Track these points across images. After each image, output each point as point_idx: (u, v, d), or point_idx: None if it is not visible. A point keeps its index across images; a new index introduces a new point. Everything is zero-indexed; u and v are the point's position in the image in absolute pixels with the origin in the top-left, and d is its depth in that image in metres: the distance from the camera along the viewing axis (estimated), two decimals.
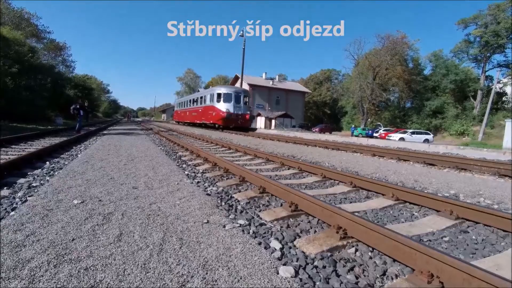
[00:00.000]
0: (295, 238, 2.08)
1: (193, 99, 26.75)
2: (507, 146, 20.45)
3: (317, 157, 6.62)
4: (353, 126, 39.70)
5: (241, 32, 24.38)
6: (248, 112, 20.59)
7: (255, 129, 25.14)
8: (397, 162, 6.52)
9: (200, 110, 23.70)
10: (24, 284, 1.33)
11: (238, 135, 14.74)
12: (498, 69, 35.73)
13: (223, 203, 2.80)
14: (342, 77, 56.80)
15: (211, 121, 20.68)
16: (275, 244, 1.93)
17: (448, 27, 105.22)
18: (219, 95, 20.21)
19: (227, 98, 19.94)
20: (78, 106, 12.43)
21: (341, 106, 52.74)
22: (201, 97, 23.96)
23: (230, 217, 2.42)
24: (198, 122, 24.49)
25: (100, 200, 2.65)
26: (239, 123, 19.72)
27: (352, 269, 1.70)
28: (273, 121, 39.94)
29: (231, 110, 19.43)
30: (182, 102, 33.89)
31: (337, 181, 4.14)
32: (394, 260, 1.77)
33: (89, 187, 3.12)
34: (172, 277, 1.44)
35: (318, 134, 26.38)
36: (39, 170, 4.07)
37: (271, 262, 1.64)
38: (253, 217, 2.47)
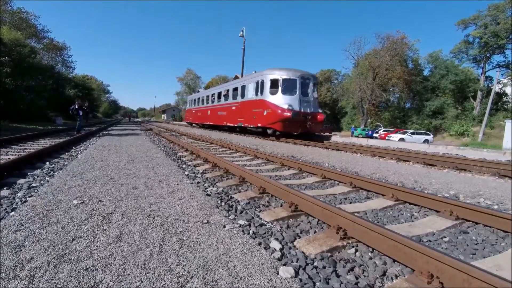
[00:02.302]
0: (295, 239, 2.08)
1: (220, 93, 18.99)
2: (507, 146, 20.47)
3: (317, 158, 6.62)
4: (353, 126, 39.69)
5: (241, 32, 24.42)
6: (320, 111, 13.02)
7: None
8: (397, 163, 6.52)
9: (234, 108, 16.17)
10: (24, 284, 1.32)
11: (238, 136, 14.60)
12: (497, 70, 35.75)
13: (223, 204, 2.80)
14: (342, 78, 56.77)
15: (259, 124, 13.00)
16: (275, 245, 1.93)
17: (448, 27, 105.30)
18: (274, 82, 12.55)
19: (289, 87, 12.39)
20: (76, 107, 12.43)
21: (341, 107, 52.71)
22: (236, 88, 16.14)
23: (230, 217, 2.42)
24: (229, 124, 16.72)
25: (100, 201, 2.65)
26: (307, 127, 12.16)
27: (352, 269, 1.70)
28: None
29: (296, 107, 11.90)
30: (199, 98, 24.83)
31: (337, 182, 4.15)
32: (394, 261, 1.77)
33: (89, 187, 3.12)
34: (172, 277, 1.44)
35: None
36: (39, 170, 4.07)
37: (271, 263, 1.64)
38: (253, 218, 2.47)
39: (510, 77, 34.50)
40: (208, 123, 21.79)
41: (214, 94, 20.60)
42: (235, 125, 15.88)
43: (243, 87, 15.27)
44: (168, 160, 5.48)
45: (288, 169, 5.13)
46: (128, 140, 9.73)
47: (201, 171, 4.50)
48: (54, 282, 1.35)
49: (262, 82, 13.13)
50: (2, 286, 1.31)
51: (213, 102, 20.70)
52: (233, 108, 16.32)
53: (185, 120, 32.81)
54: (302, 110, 12.04)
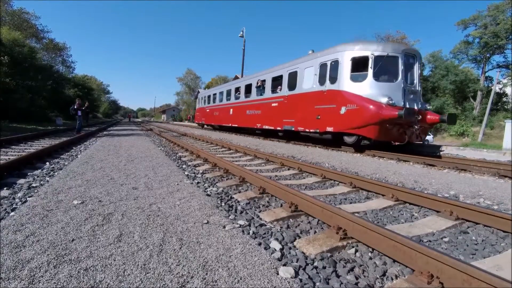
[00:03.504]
0: (295, 239, 2.08)
1: (250, 85, 14.29)
2: (507, 146, 20.46)
3: (317, 158, 6.62)
4: None
5: (241, 32, 24.43)
6: (429, 107, 8.46)
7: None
8: (397, 163, 6.52)
9: (275, 105, 11.64)
10: (24, 284, 1.32)
11: (238, 136, 14.53)
12: (497, 70, 35.75)
13: (223, 204, 2.80)
14: None
15: (329, 128, 8.66)
16: (275, 245, 1.93)
17: (448, 27, 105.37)
18: (359, 62, 8.21)
19: (385, 69, 8.03)
20: (76, 107, 12.44)
21: None
22: (279, 77, 11.69)
23: (230, 217, 2.42)
24: (265, 127, 12.39)
25: (100, 201, 2.65)
26: (416, 133, 7.60)
27: (352, 269, 1.70)
28: None
29: (400, 101, 7.64)
30: (216, 94, 19.73)
31: (337, 182, 4.15)
32: (394, 261, 1.77)
33: (89, 187, 3.12)
34: (172, 277, 1.44)
35: None
36: (39, 170, 4.07)
37: (271, 263, 1.64)
38: (253, 218, 2.47)
39: (510, 77, 34.49)
40: (229, 124, 16.68)
41: (239, 87, 15.78)
42: (278, 128, 11.37)
43: (293, 75, 10.61)
44: (168, 160, 5.48)
45: (288, 169, 5.13)
46: (128, 140, 9.73)
47: (201, 171, 4.50)
48: (54, 282, 1.35)
49: (335, 64, 8.56)
50: (2, 286, 1.31)
51: (237, 98, 15.88)
52: (274, 104, 11.72)
53: (195, 121, 27.08)
54: (408, 106, 7.50)
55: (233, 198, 3.09)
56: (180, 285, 1.38)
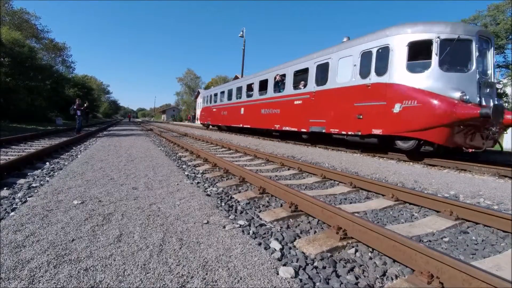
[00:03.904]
0: (295, 239, 2.08)
1: (265, 81, 12.73)
2: (507, 146, 20.48)
3: (317, 158, 6.62)
4: None
5: (241, 32, 24.44)
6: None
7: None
8: (397, 163, 6.52)
9: (299, 103, 10.16)
10: (24, 284, 1.32)
11: (238, 136, 14.53)
12: (497, 70, 35.77)
13: (223, 204, 2.80)
14: None
15: (377, 131, 7.06)
16: (275, 245, 1.93)
17: None
18: (418, 48, 6.63)
19: (454, 56, 6.43)
20: (75, 107, 12.46)
21: None
22: (303, 71, 10.21)
23: (230, 217, 2.42)
24: (286, 128, 10.84)
25: (100, 201, 2.65)
26: (492, 135, 5.90)
27: (352, 269, 1.70)
28: None
29: (475, 96, 6.05)
30: (224, 92, 18.15)
31: (337, 182, 4.15)
32: (394, 261, 1.77)
33: (89, 187, 3.12)
34: (172, 277, 1.44)
35: None
36: (39, 170, 4.07)
37: (271, 263, 1.64)
38: (253, 218, 2.47)
39: (510, 77, 34.52)
40: (239, 125, 15.08)
41: (251, 84, 14.02)
42: (303, 129, 9.79)
43: (323, 67, 9.10)
44: (168, 160, 5.48)
45: (288, 169, 5.13)
46: (128, 140, 9.73)
47: (201, 171, 4.50)
48: (54, 283, 1.35)
49: (383, 51, 6.97)
50: (2, 286, 1.31)
51: (249, 96, 14.24)
52: (298, 102, 10.13)
53: (200, 121, 24.81)
54: (484, 102, 6.08)
55: (233, 198, 3.09)
56: (180, 285, 1.38)
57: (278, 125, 11.43)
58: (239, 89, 15.65)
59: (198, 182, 3.71)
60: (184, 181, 3.66)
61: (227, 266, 1.58)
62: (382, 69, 7.03)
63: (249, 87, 14.47)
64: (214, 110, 20.11)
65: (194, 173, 4.38)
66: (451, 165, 6.02)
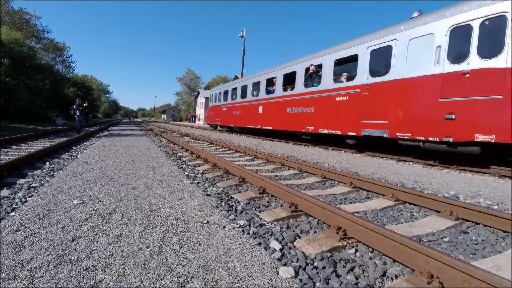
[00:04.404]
0: (295, 239, 2.07)
1: (293, 74, 10.73)
2: None
3: (317, 158, 6.62)
4: None
5: (241, 32, 24.45)
6: None
7: None
8: (397, 163, 6.52)
9: (341, 99, 8.36)
10: (24, 284, 1.32)
11: (239, 136, 14.54)
12: None
13: (223, 204, 2.80)
14: None
15: (493, 137, 4.95)
16: (275, 245, 1.93)
17: None
18: None
19: None
20: (74, 107, 12.47)
21: None
22: (346, 60, 8.55)
23: (230, 217, 2.42)
24: (325, 131, 8.94)
25: (100, 201, 2.65)
26: None
27: (352, 269, 1.70)
28: None
29: None
30: (236, 89, 15.94)
31: (337, 182, 4.15)
32: (394, 261, 1.77)
33: (89, 187, 3.12)
34: (172, 277, 1.44)
35: None
36: (39, 170, 4.07)
37: (271, 263, 1.64)
38: (253, 218, 2.47)
39: None
40: (257, 126, 13.13)
41: (273, 78, 12.03)
42: (350, 133, 7.92)
43: (380, 53, 7.28)
44: (168, 160, 5.48)
45: (288, 169, 5.13)
46: (128, 140, 9.73)
47: (201, 171, 4.50)
48: (54, 283, 1.35)
49: (494, 23, 5.26)
50: (2, 286, 1.31)
51: (270, 92, 12.30)
52: (341, 98, 8.29)
53: (207, 122, 22.12)
54: None
55: (233, 198, 3.09)
56: (180, 285, 1.38)
57: (312, 127, 9.42)
58: (256, 85, 13.61)
59: (198, 182, 3.71)
60: (184, 181, 3.66)
61: (227, 266, 1.58)
62: (491, 49, 5.14)
63: (270, 82, 12.44)
64: (224, 109, 17.90)
65: (194, 173, 4.38)
66: (450, 165, 6.01)
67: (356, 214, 2.44)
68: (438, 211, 2.82)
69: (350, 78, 8.21)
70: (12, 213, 2.26)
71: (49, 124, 19.76)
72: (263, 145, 9.45)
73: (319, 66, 9.39)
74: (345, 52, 8.38)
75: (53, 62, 36.29)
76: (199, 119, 55.93)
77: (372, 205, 3.08)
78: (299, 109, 10.16)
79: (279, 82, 11.64)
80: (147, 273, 1.47)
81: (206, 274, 1.49)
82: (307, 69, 9.97)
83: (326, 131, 8.82)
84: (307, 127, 9.66)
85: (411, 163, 6.63)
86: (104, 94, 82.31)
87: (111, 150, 6.55)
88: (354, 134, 7.81)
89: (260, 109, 12.97)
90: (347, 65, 8.72)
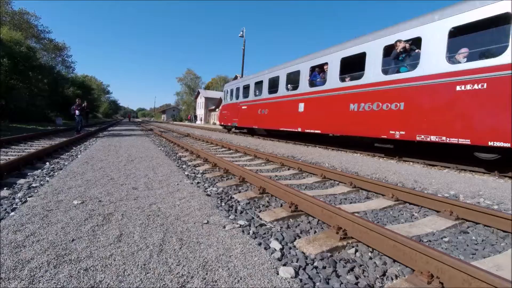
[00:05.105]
0: (295, 239, 2.07)
1: (362, 57, 7.26)
2: None
3: (317, 158, 6.62)
4: None
5: (241, 32, 24.45)
6: None
7: None
8: (397, 163, 6.52)
9: (470, 90, 4.89)
10: (24, 284, 1.32)
11: (239, 136, 14.58)
12: None
13: (223, 204, 2.80)
14: None
15: None
16: (275, 245, 1.93)
17: None
18: None
19: None
20: (74, 107, 12.46)
21: None
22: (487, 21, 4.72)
23: (230, 217, 2.42)
24: (438, 140, 5.48)
25: (100, 201, 2.65)
26: None
27: (352, 269, 1.70)
28: None
29: None
30: (264, 82, 12.51)
31: (337, 182, 4.15)
32: (394, 261, 1.77)
33: (89, 187, 3.12)
34: (172, 277, 1.44)
35: None
36: (39, 170, 4.07)
37: (271, 263, 1.64)
38: (253, 218, 2.47)
39: None
40: (296, 129, 10.06)
41: (323, 65, 8.96)
42: (494, 143, 4.76)
43: None
44: (168, 160, 5.48)
45: (288, 169, 5.13)
46: (128, 140, 9.73)
47: (201, 171, 4.50)
48: (54, 283, 1.35)
49: None
50: (2, 286, 1.31)
51: (315, 85, 9.32)
52: (466, 87, 5.14)
53: (220, 122, 18.84)
54: None
55: (233, 198, 3.09)
56: (180, 285, 1.38)
57: (401, 132, 6.37)
58: (293, 75, 10.45)
59: (198, 182, 3.71)
60: (184, 181, 3.66)
61: (227, 266, 1.58)
62: None
63: (314, 71, 9.49)
64: (244, 108, 14.62)
65: (194, 173, 4.38)
66: (450, 165, 6.01)
67: (356, 214, 2.44)
68: (438, 211, 2.82)
69: (479, 56, 5.31)
70: (12, 213, 2.26)
71: (49, 124, 19.76)
72: (263, 145, 9.45)
73: (411, 41, 6.36)
74: (467, 17, 5.21)
75: (53, 62, 36.27)
76: (201, 119, 55.89)
77: (372, 205, 3.08)
78: (373, 106, 7.16)
79: (333, 70, 8.41)
80: (147, 273, 1.47)
81: (206, 274, 1.49)
82: (385, 49, 6.83)
83: (434, 138, 5.73)
84: (391, 131, 6.61)
85: (411, 163, 6.63)
86: (104, 94, 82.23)
87: (111, 150, 6.54)
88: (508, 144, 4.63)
89: (301, 106, 9.85)
90: (469, 37, 5.81)
